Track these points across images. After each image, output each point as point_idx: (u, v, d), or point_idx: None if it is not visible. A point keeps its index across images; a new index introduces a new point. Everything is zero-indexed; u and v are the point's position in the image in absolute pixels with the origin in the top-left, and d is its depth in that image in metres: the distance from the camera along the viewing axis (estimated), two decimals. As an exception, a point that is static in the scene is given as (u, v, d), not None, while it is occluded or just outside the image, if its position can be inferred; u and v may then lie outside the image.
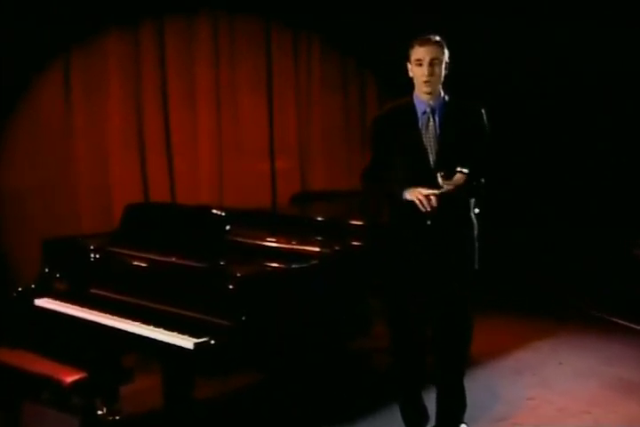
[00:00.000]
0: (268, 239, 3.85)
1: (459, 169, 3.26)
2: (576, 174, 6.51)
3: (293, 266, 3.40)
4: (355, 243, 3.83)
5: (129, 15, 5.16)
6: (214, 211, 3.58)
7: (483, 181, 3.42)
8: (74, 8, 4.83)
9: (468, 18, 6.30)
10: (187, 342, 3.02)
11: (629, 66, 6.11)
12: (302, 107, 6.24)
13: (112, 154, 5.22)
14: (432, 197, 3.26)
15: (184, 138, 5.55)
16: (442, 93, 3.47)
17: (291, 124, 6.17)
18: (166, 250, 3.52)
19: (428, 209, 3.27)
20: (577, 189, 6.48)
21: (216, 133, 5.70)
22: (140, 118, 5.34)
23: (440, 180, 3.24)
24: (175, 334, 3.10)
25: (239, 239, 3.73)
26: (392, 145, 3.47)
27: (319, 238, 3.88)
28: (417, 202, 3.28)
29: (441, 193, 3.25)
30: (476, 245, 3.54)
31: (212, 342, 3.01)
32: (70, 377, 3.23)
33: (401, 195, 3.36)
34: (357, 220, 4.14)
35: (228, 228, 3.49)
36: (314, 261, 3.50)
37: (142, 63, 5.31)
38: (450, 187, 3.25)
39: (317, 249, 3.66)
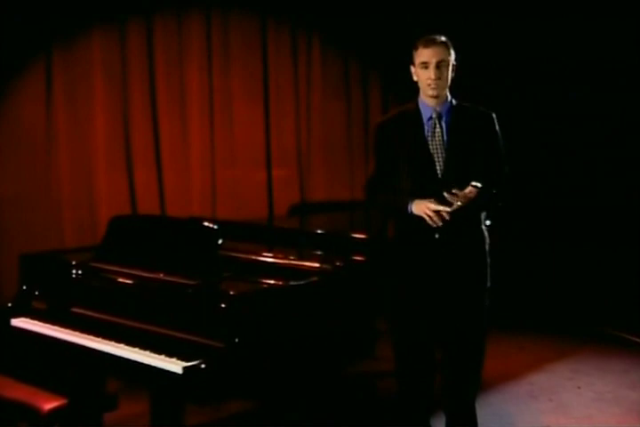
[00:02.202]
0: (265, 254, 3.81)
1: (473, 183, 3.22)
2: (586, 183, 6.51)
3: (291, 283, 3.35)
4: (358, 258, 3.79)
5: (115, 12, 5.15)
6: (206, 224, 3.54)
7: (495, 191, 3.38)
8: (55, 3, 4.82)
9: (474, 17, 6.33)
10: (175, 365, 2.97)
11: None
12: (301, 111, 6.23)
13: (97, 163, 5.20)
14: (443, 213, 3.23)
15: (174, 145, 5.54)
16: (449, 97, 3.45)
17: (289, 130, 6.15)
18: (154, 266, 3.48)
19: (439, 224, 3.25)
20: (587, 196, 6.46)
21: (208, 140, 5.68)
22: (126, 125, 5.33)
23: (449, 198, 3.21)
24: (163, 357, 3.05)
25: (233, 254, 3.70)
26: (396, 153, 3.44)
27: (319, 253, 3.85)
28: (426, 218, 3.25)
29: (452, 210, 3.21)
30: (488, 260, 3.50)
31: (203, 365, 2.96)
32: (49, 404, 3.18)
33: (407, 208, 3.32)
34: (360, 233, 4.10)
35: (220, 242, 3.45)
36: (313, 278, 3.46)
37: (129, 65, 5.31)
38: (460, 203, 3.20)
39: (317, 265, 3.62)
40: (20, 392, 3.30)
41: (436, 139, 3.39)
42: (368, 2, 6.26)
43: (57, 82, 5.01)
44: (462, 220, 3.35)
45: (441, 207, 3.22)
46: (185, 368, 2.94)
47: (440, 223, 3.24)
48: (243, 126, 5.86)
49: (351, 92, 6.52)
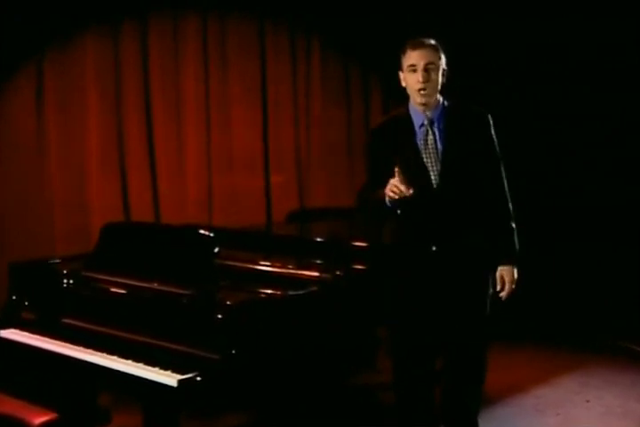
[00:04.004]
0: (262, 263, 3.81)
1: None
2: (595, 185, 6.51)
3: (290, 293, 3.34)
4: (358, 267, 3.78)
5: (108, 15, 5.14)
6: (202, 231, 3.53)
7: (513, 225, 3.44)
8: (47, 6, 4.81)
9: (474, 18, 6.36)
10: (170, 378, 2.96)
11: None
12: (300, 116, 6.21)
13: (89, 169, 5.19)
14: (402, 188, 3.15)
15: (169, 151, 5.53)
16: (440, 101, 3.40)
17: (287, 135, 6.14)
18: (148, 275, 3.47)
19: (407, 195, 3.15)
20: (589, 196, 6.47)
21: (204, 146, 5.67)
22: (120, 130, 5.33)
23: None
24: (157, 369, 3.04)
25: (229, 263, 3.69)
26: (389, 162, 3.33)
27: (319, 262, 3.83)
28: (391, 194, 3.18)
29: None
30: (489, 269, 3.48)
31: (199, 378, 2.95)
32: (39, 418, 3.15)
33: (384, 200, 3.27)
34: (361, 241, 4.09)
35: (216, 250, 3.44)
36: (313, 288, 3.45)
37: (123, 69, 5.30)
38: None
39: (317, 274, 3.61)
40: (8, 406, 3.27)
41: (429, 147, 3.35)
42: (368, 4, 6.25)
43: (48, 86, 5.01)
44: (460, 231, 3.34)
45: (403, 187, 3.15)
46: (180, 381, 2.93)
47: (407, 194, 3.16)
48: (240, 131, 5.85)
49: (351, 96, 6.50)
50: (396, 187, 3.15)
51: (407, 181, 3.23)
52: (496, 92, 6.15)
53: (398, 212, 3.32)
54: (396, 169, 3.17)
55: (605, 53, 6.16)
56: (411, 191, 3.15)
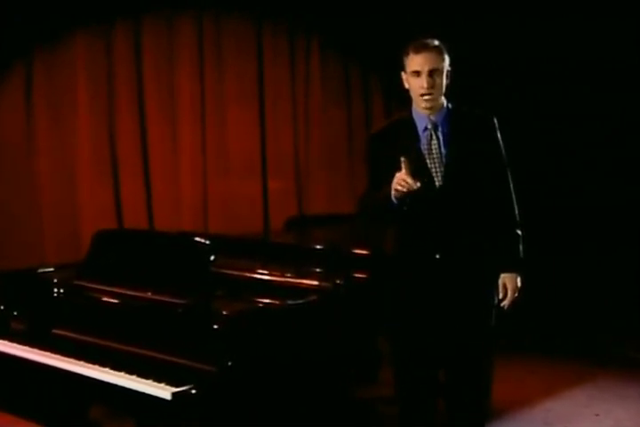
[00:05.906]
0: (260, 271, 3.80)
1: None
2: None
3: (289, 302, 3.34)
4: (359, 275, 3.77)
5: (101, 14, 5.14)
6: (197, 239, 3.53)
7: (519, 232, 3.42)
8: (36, 5, 4.81)
9: (474, 17, 6.41)
10: (163, 391, 2.95)
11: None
12: (299, 119, 6.22)
13: (80, 174, 5.19)
14: (409, 181, 3.12)
15: (163, 155, 5.53)
16: (444, 103, 3.38)
17: (286, 139, 6.15)
18: (141, 284, 3.46)
19: (415, 187, 3.12)
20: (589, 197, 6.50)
21: (200, 150, 5.67)
22: (112, 134, 5.33)
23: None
24: (150, 382, 3.03)
25: (226, 271, 3.69)
26: (391, 168, 3.28)
27: (318, 270, 3.84)
28: (399, 187, 3.14)
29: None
30: (494, 278, 3.46)
31: (194, 391, 2.94)
32: (28, 433, 3.16)
33: (390, 197, 3.23)
34: (362, 248, 4.08)
35: (212, 258, 3.43)
36: (312, 297, 3.44)
37: (115, 70, 5.31)
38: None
39: (316, 283, 3.61)
40: (-4, 420, 3.28)
41: (434, 152, 3.32)
42: (368, 4, 6.27)
43: (38, 89, 5.01)
44: (464, 238, 3.33)
45: (410, 180, 3.11)
46: (174, 394, 2.91)
47: (415, 187, 3.12)
48: (237, 135, 5.85)
49: (352, 97, 6.52)
50: (403, 180, 3.13)
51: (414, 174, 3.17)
52: (496, 92, 6.20)
53: (405, 208, 3.28)
54: (403, 160, 3.14)
55: (605, 53, 6.21)
56: (418, 184, 3.12)
